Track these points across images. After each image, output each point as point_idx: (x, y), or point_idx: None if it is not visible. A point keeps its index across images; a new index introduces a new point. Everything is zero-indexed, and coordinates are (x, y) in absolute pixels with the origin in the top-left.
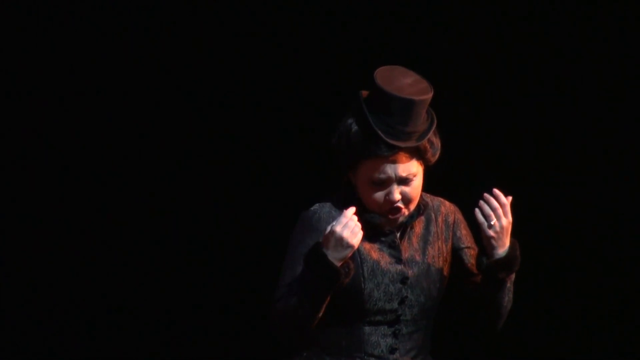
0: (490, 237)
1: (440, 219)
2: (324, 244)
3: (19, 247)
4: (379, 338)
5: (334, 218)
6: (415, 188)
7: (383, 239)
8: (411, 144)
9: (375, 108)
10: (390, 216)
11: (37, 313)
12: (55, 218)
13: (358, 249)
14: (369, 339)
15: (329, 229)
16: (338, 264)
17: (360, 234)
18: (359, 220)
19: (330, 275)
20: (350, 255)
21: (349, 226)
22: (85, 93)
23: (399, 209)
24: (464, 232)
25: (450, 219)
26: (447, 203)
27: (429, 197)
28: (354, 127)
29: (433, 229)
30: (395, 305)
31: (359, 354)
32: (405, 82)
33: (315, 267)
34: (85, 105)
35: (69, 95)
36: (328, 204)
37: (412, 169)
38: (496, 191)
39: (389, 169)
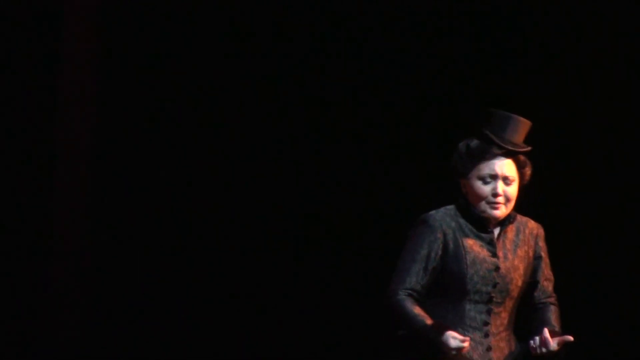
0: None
1: (527, 232)
2: (444, 337)
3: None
4: (476, 314)
5: (446, 222)
6: (512, 191)
7: (484, 235)
8: (515, 148)
9: (491, 127)
10: (492, 210)
11: (37, 312)
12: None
13: (463, 244)
14: (468, 314)
15: (452, 343)
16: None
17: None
18: (467, 214)
19: (431, 345)
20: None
21: (459, 346)
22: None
23: (499, 203)
24: (542, 244)
25: (535, 232)
26: (533, 222)
27: (518, 216)
28: (474, 142)
29: (522, 237)
30: (489, 288)
31: (461, 324)
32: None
33: (426, 338)
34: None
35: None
36: (442, 209)
37: (512, 173)
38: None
39: (497, 167)
